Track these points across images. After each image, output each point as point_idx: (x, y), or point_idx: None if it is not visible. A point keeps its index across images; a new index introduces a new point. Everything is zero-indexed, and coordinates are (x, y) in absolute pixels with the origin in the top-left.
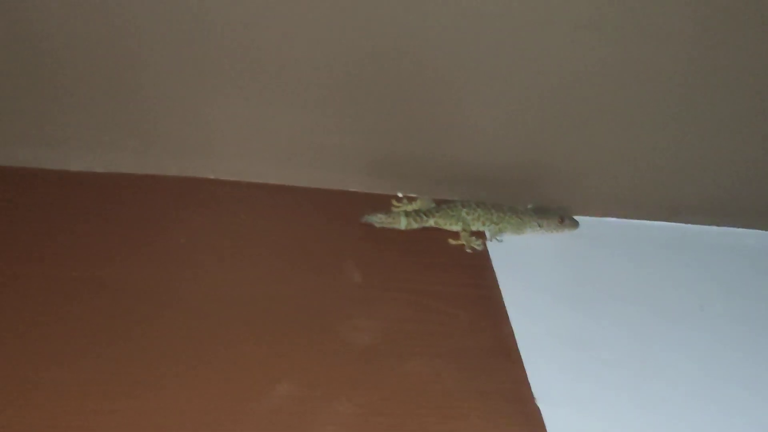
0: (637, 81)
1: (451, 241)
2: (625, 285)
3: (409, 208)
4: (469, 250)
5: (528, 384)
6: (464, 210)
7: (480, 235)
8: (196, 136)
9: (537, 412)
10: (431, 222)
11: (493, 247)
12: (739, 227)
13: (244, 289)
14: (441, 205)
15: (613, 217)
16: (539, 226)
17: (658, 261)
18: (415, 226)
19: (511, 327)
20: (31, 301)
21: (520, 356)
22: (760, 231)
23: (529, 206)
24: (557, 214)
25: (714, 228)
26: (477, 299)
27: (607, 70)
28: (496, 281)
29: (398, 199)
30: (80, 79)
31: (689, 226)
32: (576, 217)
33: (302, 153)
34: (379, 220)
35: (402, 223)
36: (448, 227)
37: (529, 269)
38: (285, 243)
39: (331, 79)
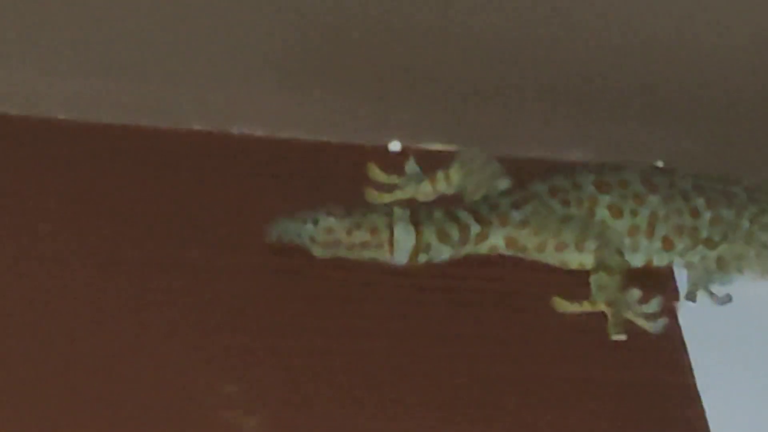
0: None
1: (564, 307)
2: None
3: (421, 195)
4: (617, 337)
5: None
6: (637, 205)
7: (659, 285)
8: None
9: None
10: (498, 242)
11: (692, 325)
12: None
13: None
14: (528, 184)
15: None
16: None
17: None
18: (435, 258)
19: None
20: None
21: None
22: None
23: None
24: None
25: None
26: None
27: None
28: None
29: (394, 159)
30: None
31: None
32: None
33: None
34: (317, 234)
35: (402, 249)
36: (550, 260)
37: None
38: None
39: None
